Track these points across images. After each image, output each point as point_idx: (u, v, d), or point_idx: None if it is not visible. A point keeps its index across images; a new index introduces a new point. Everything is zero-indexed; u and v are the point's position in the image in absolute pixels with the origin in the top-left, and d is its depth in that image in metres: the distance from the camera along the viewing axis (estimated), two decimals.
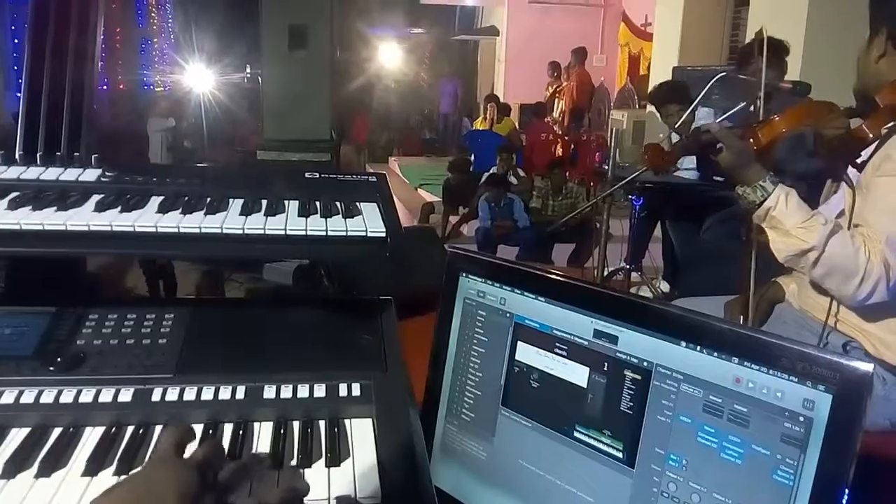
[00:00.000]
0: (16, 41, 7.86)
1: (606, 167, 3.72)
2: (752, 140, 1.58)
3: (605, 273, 3.81)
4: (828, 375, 0.76)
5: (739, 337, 0.84)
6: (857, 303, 1.41)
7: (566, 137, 8.61)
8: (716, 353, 0.84)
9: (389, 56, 13.67)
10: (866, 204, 1.44)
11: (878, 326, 1.48)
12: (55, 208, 1.04)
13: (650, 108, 6.70)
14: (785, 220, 1.44)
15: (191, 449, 0.68)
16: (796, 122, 1.56)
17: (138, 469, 0.85)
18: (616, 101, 10.16)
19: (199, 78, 8.47)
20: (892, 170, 1.39)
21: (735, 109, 2.38)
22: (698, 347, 0.86)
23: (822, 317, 1.50)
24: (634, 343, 0.92)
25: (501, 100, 10.29)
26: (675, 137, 3.90)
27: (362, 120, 11.51)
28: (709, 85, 2.75)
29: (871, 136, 1.45)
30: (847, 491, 0.75)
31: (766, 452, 0.80)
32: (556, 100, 10.59)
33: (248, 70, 9.08)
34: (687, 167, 3.86)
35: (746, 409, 0.82)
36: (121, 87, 10.60)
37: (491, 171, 6.69)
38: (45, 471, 0.85)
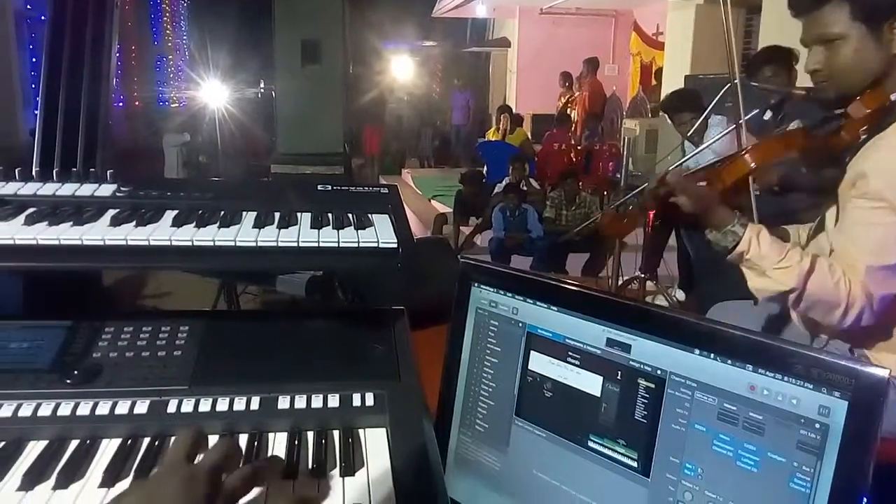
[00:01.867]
0: (34, 60, 7.98)
1: (619, 176, 3.72)
2: (716, 183, 1.54)
3: (620, 282, 3.80)
4: (843, 382, 0.76)
5: (753, 344, 0.83)
6: (844, 329, 1.38)
7: (579, 147, 8.60)
8: (730, 361, 0.84)
9: (402, 69, 13.78)
10: (844, 232, 1.40)
11: (870, 350, 1.46)
12: (71, 223, 1.05)
13: (663, 116, 6.70)
14: (760, 262, 1.40)
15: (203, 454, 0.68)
16: (762, 160, 1.53)
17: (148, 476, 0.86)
18: (628, 110, 10.15)
19: (213, 94, 8.56)
20: (866, 192, 1.34)
21: (748, 117, 2.38)
22: (712, 355, 0.85)
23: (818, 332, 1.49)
24: (648, 351, 0.91)
25: (514, 110, 10.32)
26: (687, 146, 3.90)
27: (375, 132, 11.57)
28: (721, 93, 2.74)
29: (849, 140, 1.42)
30: (865, 499, 0.75)
31: (783, 460, 0.80)
32: (569, 110, 10.60)
33: (262, 85, 9.18)
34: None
35: (762, 416, 0.81)
36: (136, 103, 10.74)
37: (506, 182, 6.70)
38: (63, 482, 0.86)
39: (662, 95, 6.86)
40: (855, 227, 1.38)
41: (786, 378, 0.80)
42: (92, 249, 1.02)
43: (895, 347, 1.42)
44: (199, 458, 0.66)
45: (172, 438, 0.95)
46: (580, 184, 6.31)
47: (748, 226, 1.43)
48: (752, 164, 1.51)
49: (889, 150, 1.35)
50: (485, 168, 8.67)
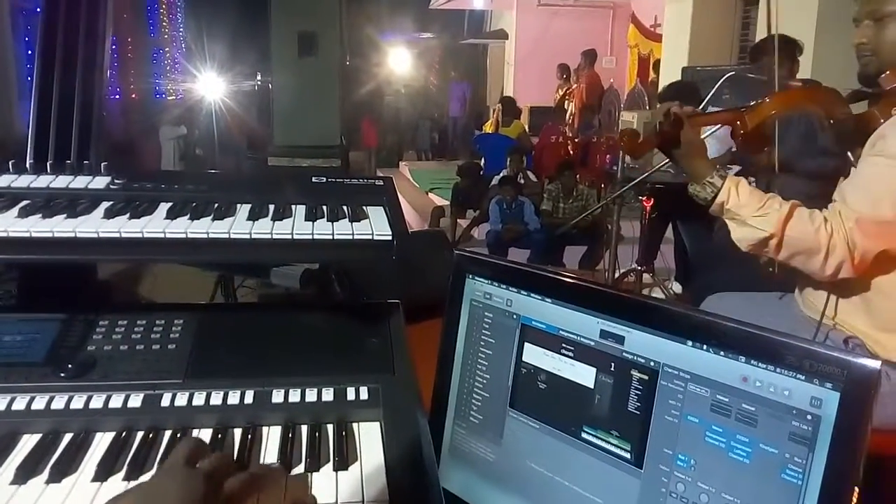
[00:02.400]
0: (30, 52, 7.94)
1: (616, 169, 3.71)
2: (738, 123, 1.56)
3: (617, 275, 3.80)
4: (835, 373, 0.76)
5: (746, 335, 0.83)
6: (826, 279, 1.40)
7: (576, 140, 8.59)
8: (722, 352, 0.84)
9: (399, 61, 13.74)
10: (850, 180, 1.42)
11: (873, 327, 1.46)
12: (65, 216, 1.05)
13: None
14: (740, 211, 1.43)
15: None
16: (789, 106, 1.54)
17: (146, 477, 0.86)
18: (626, 102, 10.13)
19: (210, 86, 8.54)
20: (883, 149, 1.37)
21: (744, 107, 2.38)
22: (705, 346, 0.86)
23: (820, 318, 1.49)
24: (641, 343, 0.91)
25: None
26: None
27: (372, 125, 11.55)
28: (718, 84, 2.74)
29: (881, 120, 1.43)
30: (857, 490, 0.75)
31: (775, 451, 0.80)
32: (567, 102, 10.57)
33: (259, 78, 9.14)
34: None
35: (754, 407, 0.81)
36: (133, 96, 10.70)
37: (502, 174, 6.70)
38: (56, 476, 0.86)
39: (660, 87, 6.85)
40: (861, 178, 1.41)
41: (778, 369, 0.80)
42: (85, 242, 1.02)
43: (892, 326, 1.43)
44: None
45: (166, 433, 0.95)
46: (577, 176, 6.30)
47: (727, 177, 1.46)
48: (774, 110, 1.52)
49: None
50: (482, 160, 8.66)
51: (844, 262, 1.35)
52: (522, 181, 6.69)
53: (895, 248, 1.36)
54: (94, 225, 1.03)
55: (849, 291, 1.48)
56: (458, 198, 7.34)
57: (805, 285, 1.62)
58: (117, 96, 9.82)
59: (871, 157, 1.40)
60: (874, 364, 0.74)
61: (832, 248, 1.35)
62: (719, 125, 1.91)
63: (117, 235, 1.02)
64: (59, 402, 0.97)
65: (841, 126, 1.52)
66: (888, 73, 1.43)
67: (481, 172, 7.73)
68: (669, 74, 7.48)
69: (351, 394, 1.01)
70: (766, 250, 1.44)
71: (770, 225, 1.39)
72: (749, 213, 1.42)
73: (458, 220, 7.32)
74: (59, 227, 1.02)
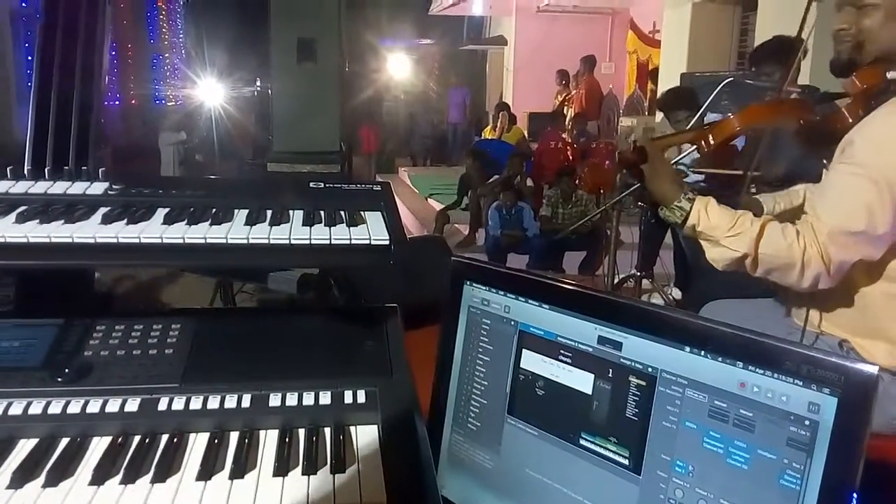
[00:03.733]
0: (29, 58, 7.95)
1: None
2: (703, 142, 1.55)
3: (616, 280, 3.80)
4: (832, 378, 0.76)
5: (743, 341, 0.83)
6: (805, 291, 1.40)
7: (576, 145, 8.60)
8: (720, 358, 0.84)
9: (398, 67, 13.76)
10: (819, 191, 1.42)
11: (855, 334, 1.46)
12: (62, 221, 1.05)
13: (659, 114, 6.69)
14: (712, 232, 1.42)
15: None
16: (752, 122, 1.53)
17: (143, 481, 0.86)
18: (625, 108, 10.15)
19: (209, 92, 8.55)
20: (852, 157, 1.36)
21: None
22: (702, 352, 0.85)
23: (807, 325, 1.49)
24: (639, 349, 0.91)
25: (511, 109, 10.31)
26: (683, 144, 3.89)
27: (372, 131, 11.57)
28: (717, 90, 2.75)
29: (850, 120, 1.43)
30: (856, 495, 0.75)
31: (773, 457, 0.80)
32: (566, 108, 10.59)
33: (258, 84, 9.16)
34: (694, 171, 3.84)
35: (752, 413, 0.81)
36: (133, 102, 10.70)
37: (502, 177, 6.70)
38: (53, 480, 0.86)
39: (659, 93, 6.86)
40: (830, 189, 1.40)
41: (775, 375, 0.80)
42: (83, 247, 1.01)
43: (884, 334, 1.43)
44: None
45: (163, 437, 0.95)
46: (577, 182, 6.30)
47: (696, 199, 1.45)
48: (738, 127, 1.51)
49: (880, 121, 1.37)
50: (483, 165, 8.64)
51: (821, 275, 1.35)
52: (520, 187, 6.69)
53: (870, 258, 1.36)
54: (91, 230, 1.03)
55: (830, 300, 1.48)
56: (464, 183, 7.46)
57: (786, 294, 1.62)
58: (117, 102, 9.83)
59: (840, 164, 1.39)
60: (871, 369, 0.74)
61: (807, 261, 1.35)
62: (686, 147, 1.91)
63: (114, 241, 1.02)
64: (55, 407, 0.96)
65: (810, 128, 1.52)
66: (854, 76, 1.43)
67: (483, 165, 7.72)
68: (668, 80, 7.50)
69: (348, 397, 1.01)
70: (741, 268, 1.43)
71: (743, 245, 1.38)
72: (721, 234, 1.41)
73: (457, 225, 7.33)
74: (57, 232, 1.02)
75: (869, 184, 1.32)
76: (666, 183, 1.47)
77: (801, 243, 1.35)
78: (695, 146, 1.65)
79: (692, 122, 3.83)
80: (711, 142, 1.53)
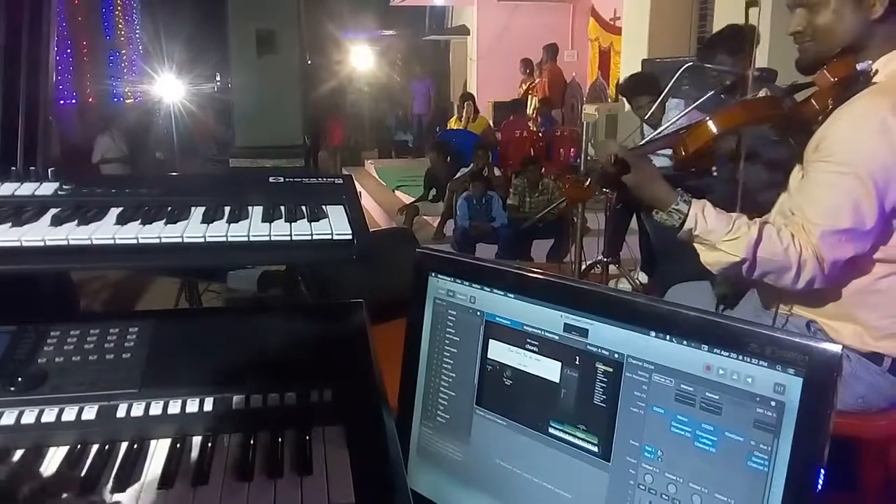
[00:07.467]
0: None
1: (580, 161, 3.72)
2: (680, 149, 1.55)
3: (583, 267, 3.81)
4: (797, 359, 0.76)
5: (708, 324, 0.83)
6: (798, 292, 1.41)
7: (540, 134, 8.62)
8: (685, 342, 0.84)
9: (361, 59, 13.64)
10: (803, 193, 1.42)
11: (827, 317, 1.48)
12: (10, 224, 1.01)
13: (622, 101, 6.72)
14: (709, 236, 1.42)
15: None
16: (727, 126, 1.53)
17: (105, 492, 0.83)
18: (588, 95, 10.19)
19: (169, 88, 8.36)
20: (829, 154, 1.37)
21: (703, 99, 2.39)
22: (668, 336, 0.85)
23: (777, 306, 1.50)
24: (605, 335, 0.91)
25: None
26: (646, 129, 3.92)
27: (336, 124, 11.46)
28: (676, 75, 2.76)
29: (818, 108, 1.44)
30: (823, 471, 0.75)
31: (740, 439, 0.80)
32: (530, 97, 10.60)
33: (218, 78, 9.01)
34: (661, 155, 3.87)
35: (718, 396, 0.81)
36: (90, 99, 10.45)
37: (471, 169, 6.69)
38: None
39: (620, 80, 6.90)
40: (814, 190, 1.40)
41: (741, 357, 0.80)
42: (32, 251, 0.98)
43: (851, 316, 1.44)
44: None
45: (123, 444, 0.92)
46: (542, 170, 6.32)
47: (692, 202, 1.44)
48: (715, 131, 1.51)
49: (853, 115, 1.37)
50: (447, 157, 8.62)
51: (816, 276, 1.36)
52: (489, 177, 6.69)
53: (862, 252, 1.36)
54: (40, 233, 0.99)
55: None
56: (430, 179, 7.44)
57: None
58: (73, 101, 9.59)
59: (818, 163, 1.40)
60: (835, 349, 0.75)
61: (803, 264, 1.35)
62: (648, 131, 1.91)
63: (65, 243, 0.98)
64: (8, 418, 0.93)
65: (781, 120, 1.52)
66: (823, 70, 1.43)
67: (448, 158, 7.69)
68: (629, 67, 7.54)
69: (313, 396, 0.99)
70: (737, 273, 1.43)
71: (740, 250, 1.38)
72: (718, 237, 1.40)
73: (426, 218, 7.30)
74: (4, 236, 0.98)
75: (853, 181, 1.33)
76: (659, 187, 1.46)
77: (797, 246, 1.35)
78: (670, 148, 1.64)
79: (653, 108, 3.86)
80: (690, 149, 1.53)
